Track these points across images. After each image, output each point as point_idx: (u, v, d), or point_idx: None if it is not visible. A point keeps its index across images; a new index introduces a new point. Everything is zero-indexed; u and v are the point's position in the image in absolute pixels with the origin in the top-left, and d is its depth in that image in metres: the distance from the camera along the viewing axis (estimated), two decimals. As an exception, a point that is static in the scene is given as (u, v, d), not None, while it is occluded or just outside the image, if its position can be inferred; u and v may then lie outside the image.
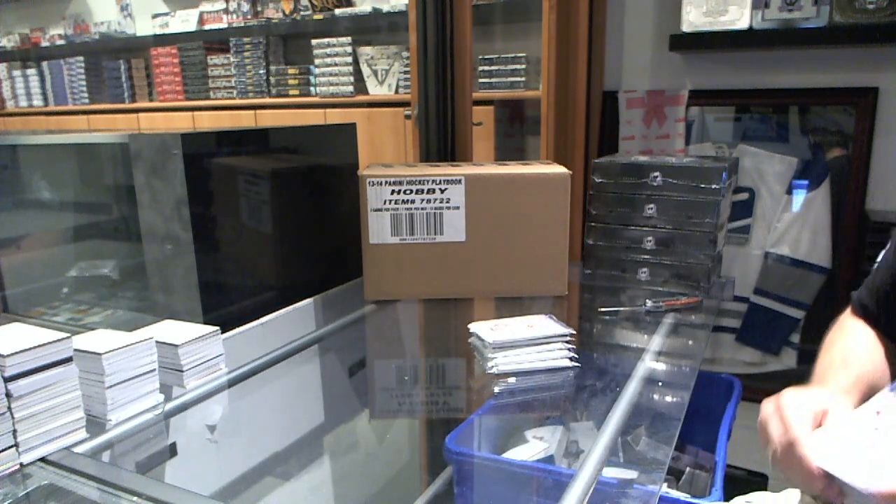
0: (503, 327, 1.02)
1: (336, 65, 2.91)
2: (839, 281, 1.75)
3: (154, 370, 0.83)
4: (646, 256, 1.35)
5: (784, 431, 0.65)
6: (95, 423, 0.77)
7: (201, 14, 3.36)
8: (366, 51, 2.84)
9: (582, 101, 1.88)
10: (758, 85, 1.80)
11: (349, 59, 2.87)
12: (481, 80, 2.54)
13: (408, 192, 1.20)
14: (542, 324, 1.04)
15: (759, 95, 1.82)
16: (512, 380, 0.97)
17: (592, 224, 1.39)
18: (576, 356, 1.00)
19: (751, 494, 1.06)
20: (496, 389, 0.96)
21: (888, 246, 0.86)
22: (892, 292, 0.82)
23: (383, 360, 1.22)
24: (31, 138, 1.49)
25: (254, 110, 3.13)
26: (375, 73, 2.84)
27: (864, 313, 0.87)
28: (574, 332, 1.02)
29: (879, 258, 0.88)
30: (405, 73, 2.76)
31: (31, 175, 1.48)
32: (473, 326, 1.05)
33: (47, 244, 1.51)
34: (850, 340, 0.85)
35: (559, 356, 0.99)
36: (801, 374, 0.66)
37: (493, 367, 0.97)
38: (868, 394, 0.75)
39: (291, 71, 3.07)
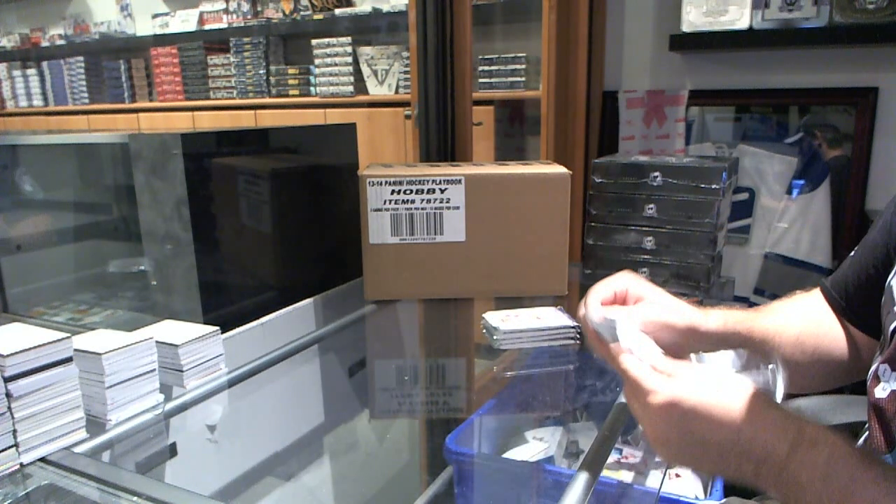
0: (513, 318, 1.10)
1: (336, 65, 2.91)
2: (839, 281, 1.75)
3: (154, 370, 0.83)
4: (646, 256, 1.35)
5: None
6: (95, 423, 0.77)
7: (201, 14, 3.36)
8: (366, 51, 2.84)
9: (582, 101, 1.89)
10: (758, 85, 1.80)
11: (349, 59, 2.87)
12: (481, 80, 2.54)
13: (408, 192, 1.20)
14: (551, 315, 1.11)
15: (759, 95, 1.82)
16: (513, 373, 0.98)
17: (592, 224, 1.39)
18: (578, 330, 1.06)
19: None
20: (507, 373, 0.98)
21: (869, 233, 0.82)
22: (874, 275, 0.77)
23: (383, 360, 1.22)
24: (31, 138, 1.49)
25: (254, 110, 3.13)
26: (375, 73, 2.84)
27: (828, 295, 0.84)
28: (579, 325, 1.05)
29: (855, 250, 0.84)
30: (405, 73, 2.76)
31: (31, 175, 1.48)
32: (487, 315, 1.12)
33: (46, 244, 1.51)
34: (787, 301, 0.85)
35: (563, 342, 1.07)
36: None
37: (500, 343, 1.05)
38: (746, 338, 0.76)
39: (291, 71, 3.07)
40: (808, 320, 0.81)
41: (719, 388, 0.57)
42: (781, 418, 0.55)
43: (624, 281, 0.75)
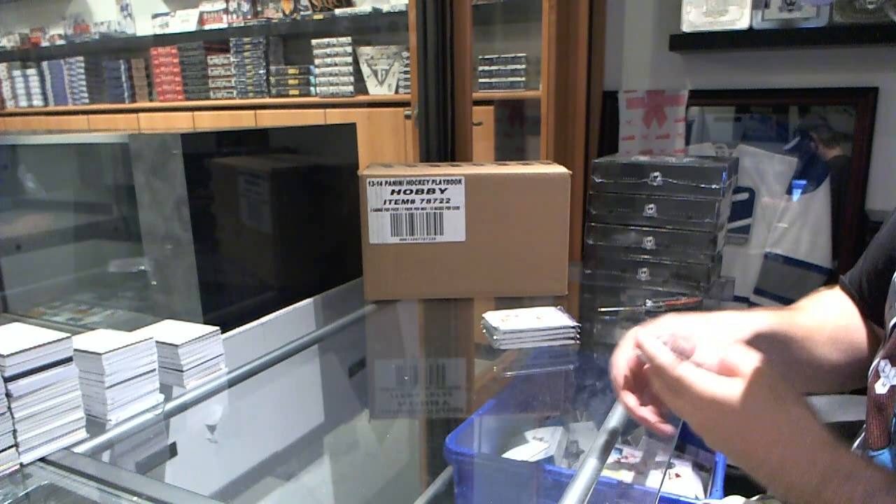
0: (513, 318, 1.10)
1: (336, 65, 2.91)
2: (839, 281, 1.75)
3: (154, 370, 0.83)
4: (646, 256, 1.35)
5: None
6: (95, 423, 0.77)
7: (201, 14, 3.36)
8: (366, 51, 2.84)
9: (582, 101, 1.88)
10: (758, 85, 1.80)
11: (349, 59, 2.87)
12: (481, 80, 2.54)
13: (408, 192, 1.20)
14: (551, 315, 1.11)
15: (759, 95, 1.82)
16: (513, 373, 0.98)
17: (592, 224, 1.39)
18: (578, 330, 1.07)
19: None
20: (507, 373, 0.98)
21: (881, 229, 0.83)
22: (883, 270, 0.78)
23: (383, 360, 1.22)
24: (31, 138, 1.49)
25: (254, 110, 3.13)
26: (375, 73, 2.84)
27: (848, 292, 0.85)
28: (580, 325, 1.07)
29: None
30: (405, 73, 2.76)
31: (30, 175, 1.48)
32: (487, 315, 1.12)
33: (46, 244, 1.50)
34: (813, 299, 0.84)
35: (563, 342, 1.07)
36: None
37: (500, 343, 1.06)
38: (790, 338, 0.74)
39: (291, 71, 3.07)
40: (838, 317, 0.81)
41: (759, 398, 0.56)
42: (816, 446, 0.53)
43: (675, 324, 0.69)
